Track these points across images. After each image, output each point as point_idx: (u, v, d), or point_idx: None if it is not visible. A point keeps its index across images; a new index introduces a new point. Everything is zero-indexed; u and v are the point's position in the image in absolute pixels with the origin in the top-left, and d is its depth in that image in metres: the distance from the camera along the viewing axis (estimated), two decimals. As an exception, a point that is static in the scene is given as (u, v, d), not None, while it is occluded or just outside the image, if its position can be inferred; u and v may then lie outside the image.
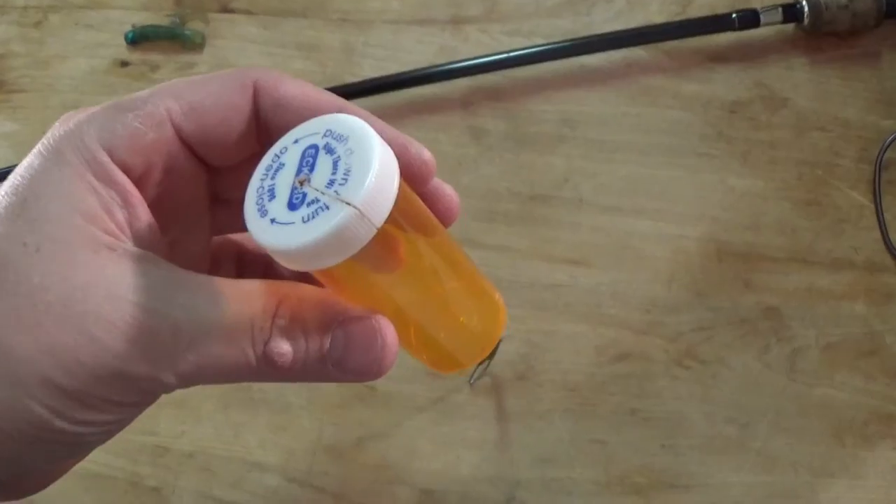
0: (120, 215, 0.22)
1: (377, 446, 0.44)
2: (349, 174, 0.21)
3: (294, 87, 0.25)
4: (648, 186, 0.46)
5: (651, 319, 0.44)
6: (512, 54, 0.47)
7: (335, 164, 0.21)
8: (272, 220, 0.21)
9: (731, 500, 0.42)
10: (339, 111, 0.24)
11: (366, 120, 0.23)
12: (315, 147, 0.22)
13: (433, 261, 0.26)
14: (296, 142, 0.22)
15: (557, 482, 0.43)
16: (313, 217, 0.20)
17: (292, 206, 0.21)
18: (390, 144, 0.23)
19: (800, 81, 0.48)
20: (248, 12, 0.52)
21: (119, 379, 0.21)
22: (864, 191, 0.46)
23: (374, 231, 0.21)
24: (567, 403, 0.44)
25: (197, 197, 0.26)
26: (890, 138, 0.46)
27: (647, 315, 0.44)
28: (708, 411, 0.43)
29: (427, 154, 0.25)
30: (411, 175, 0.24)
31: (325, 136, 0.22)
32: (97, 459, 0.45)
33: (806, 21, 0.47)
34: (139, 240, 0.22)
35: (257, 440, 0.44)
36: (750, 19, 0.47)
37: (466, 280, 0.28)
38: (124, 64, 0.52)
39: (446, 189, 0.26)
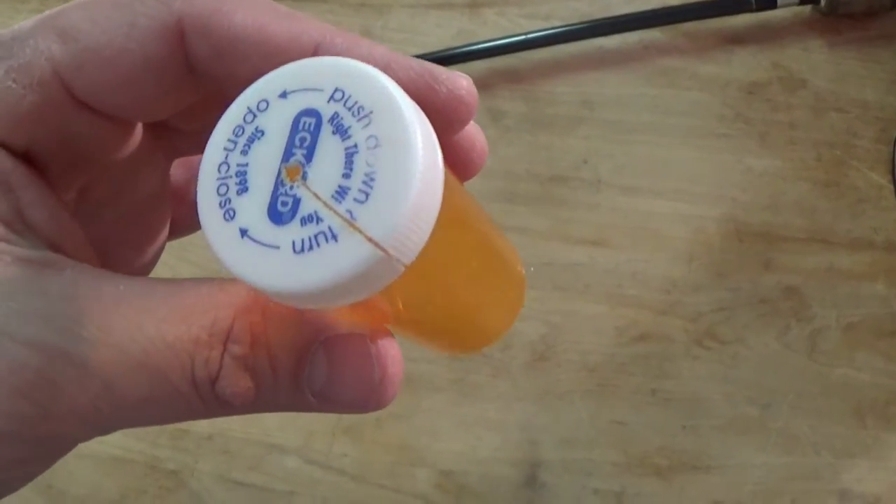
0: (2, 205, 0.16)
1: (396, 427, 0.44)
2: (372, 185, 0.14)
3: (246, 20, 0.17)
4: (667, 167, 0.46)
5: (671, 300, 0.44)
6: (530, 36, 0.47)
7: (349, 159, 0.14)
8: (243, 232, 0.14)
9: (753, 480, 0.42)
10: (322, 43, 0.17)
11: (360, 49, 0.17)
12: (316, 115, 0.15)
13: (455, 237, 0.19)
14: (283, 96, 0.15)
15: (577, 463, 0.42)
16: (311, 247, 0.14)
17: (276, 215, 0.14)
18: (411, 87, 0.16)
19: (817, 63, 0.48)
20: (264, -2, 0.52)
21: (14, 441, 0.16)
22: (882, 171, 0.46)
23: (403, 270, 0.15)
24: (587, 384, 0.43)
25: (127, 155, 0.20)
26: (909, 119, 0.46)
27: (667, 295, 0.44)
28: (728, 392, 0.43)
29: (462, 87, 0.17)
30: (440, 124, 0.16)
31: (332, 98, 0.15)
32: (117, 443, 0.45)
33: (822, 3, 0.47)
34: (38, 232, 0.17)
35: (276, 422, 0.44)
36: (767, 1, 0.47)
37: (489, 251, 0.22)
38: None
39: (472, 130, 0.19)
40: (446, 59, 0.47)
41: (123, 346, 0.15)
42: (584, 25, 0.47)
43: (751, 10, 0.47)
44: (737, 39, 0.48)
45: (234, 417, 0.44)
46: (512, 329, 0.44)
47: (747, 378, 0.43)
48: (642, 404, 0.43)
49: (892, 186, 0.45)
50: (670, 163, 0.46)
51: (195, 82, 0.18)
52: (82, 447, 0.19)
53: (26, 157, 0.17)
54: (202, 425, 0.45)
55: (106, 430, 0.16)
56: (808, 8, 0.48)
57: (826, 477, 0.42)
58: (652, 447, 0.43)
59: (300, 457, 0.44)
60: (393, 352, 0.17)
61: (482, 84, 0.48)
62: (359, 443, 0.44)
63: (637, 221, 0.46)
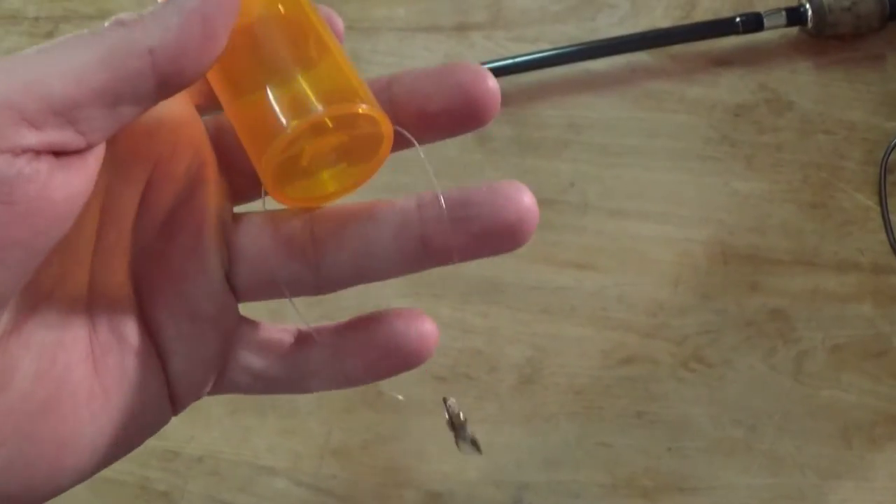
0: None
1: (384, 449, 0.44)
2: None
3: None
4: (653, 190, 0.47)
5: (657, 322, 0.45)
6: (517, 60, 0.47)
7: None
8: None
9: (739, 502, 0.42)
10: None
11: None
12: None
13: None
14: None
15: (563, 485, 0.43)
16: None
17: None
18: None
19: (804, 84, 0.48)
20: (255, 20, 0.52)
21: None
22: (869, 193, 0.46)
23: None
24: (573, 406, 0.44)
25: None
26: (895, 140, 0.46)
27: (653, 318, 0.45)
28: (714, 414, 0.43)
29: None
30: None
31: None
32: (108, 464, 0.45)
33: (810, 24, 0.47)
34: None
35: (266, 444, 0.45)
36: (754, 23, 0.47)
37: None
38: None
39: None
40: (434, 82, 0.47)
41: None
42: (572, 49, 0.47)
43: (738, 33, 0.47)
44: (724, 62, 0.48)
45: (224, 439, 0.45)
46: (499, 352, 0.45)
47: (733, 400, 0.43)
48: (628, 426, 0.43)
49: (878, 208, 0.46)
50: (657, 186, 0.47)
51: None
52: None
53: None
54: (192, 447, 0.45)
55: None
56: (795, 29, 0.48)
57: (812, 498, 0.42)
58: (638, 469, 0.43)
59: (289, 478, 0.44)
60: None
61: (470, 107, 0.49)
62: (347, 464, 0.44)
63: (623, 244, 0.46)
